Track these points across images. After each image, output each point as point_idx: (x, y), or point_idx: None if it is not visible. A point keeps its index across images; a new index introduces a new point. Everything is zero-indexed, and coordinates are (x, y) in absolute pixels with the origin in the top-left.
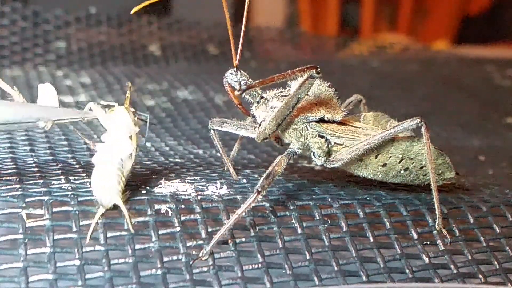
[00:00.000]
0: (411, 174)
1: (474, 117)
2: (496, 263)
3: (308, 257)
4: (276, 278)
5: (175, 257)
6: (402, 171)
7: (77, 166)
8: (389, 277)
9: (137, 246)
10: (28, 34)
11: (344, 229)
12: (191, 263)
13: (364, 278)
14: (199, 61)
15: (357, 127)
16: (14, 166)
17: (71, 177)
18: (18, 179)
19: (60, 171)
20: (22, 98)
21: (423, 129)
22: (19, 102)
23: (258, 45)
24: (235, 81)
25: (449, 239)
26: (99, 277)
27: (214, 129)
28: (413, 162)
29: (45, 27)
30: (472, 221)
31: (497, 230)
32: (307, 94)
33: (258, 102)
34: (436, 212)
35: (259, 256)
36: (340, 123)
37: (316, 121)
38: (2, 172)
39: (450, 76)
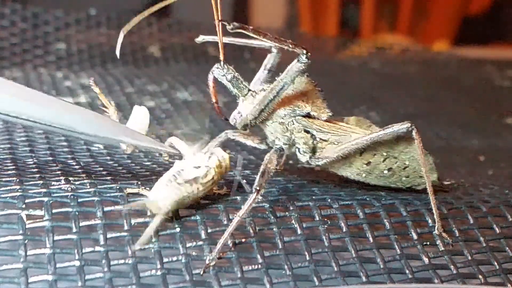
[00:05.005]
0: (394, 175)
1: (474, 117)
2: (496, 263)
3: (308, 258)
4: (276, 278)
5: (174, 258)
6: (385, 171)
7: (77, 167)
8: (389, 277)
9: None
10: (28, 35)
11: (344, 229)
12: (201, 273)
13: (364, 279)
14: (199, 63)
15: (341, 125)
16: (14, 167)
17: (71, 178)
18: (18, 180)
19: (60, 172)
20: (116, 117)
21: (414, 133)
22: (112, 120)
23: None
24: (222, 75)
25: (450, 241)
26: (99, 278)
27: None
28: (397, 162)
29: (45, 29)
30: (471, 221)
31: (497, 230)
32: (293, 83)
33: (245, 95)
34: (435, 216)
35: (258, 256)
36: (324, 127)
37: (302, 116)
38: (2, 173)
39: (450, 76)
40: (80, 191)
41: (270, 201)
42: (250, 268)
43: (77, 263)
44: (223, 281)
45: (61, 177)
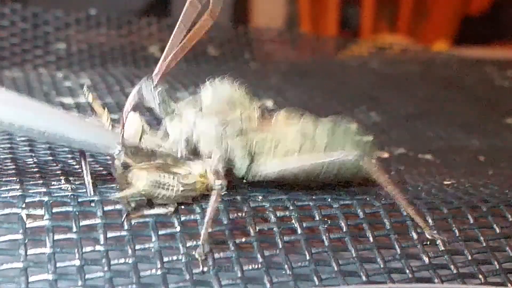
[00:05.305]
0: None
1: (474, 117)
2: (496, 263)
3: (308, 258)
4: (276, 278)
5: (175, 257)
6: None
7: (77, 166)
8: (389, 277)
9: (137, 247)
10: (28, 35)
11: (344, 229)
12: (201, 271)
13: (364, 278)
14: (199, 62)
15: (275, 132)
16: (14, 166)
17: (71, 178)
18: (18, 179)
19: (60, 172)
20: (109, 124)
21: (364, 163)
22: (104, 127)
23: (258, 46)
24: (149, 93)
25: (445, 240)
26: (99, 277)
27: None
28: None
29: (45, 29)
30: (472, 221)
31: (497, 230)
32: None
33: (172, 116)
34: (419, 223)
35: (259, 256)
36: (258, 128)
37: (235, 131)
38: (2, 172)
39: (450, 76)
40: (80, 190)
41: (270, 200)
42: (250, 267)
43: (77, 262)
44: (223, 281)
45: (61, 177)
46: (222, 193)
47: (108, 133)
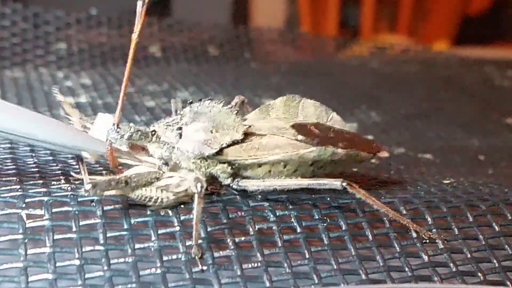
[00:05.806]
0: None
1: (474, 117)
2: (495, 261)
3: (307, 256)
4: (275, 276)
5: (174, 256)
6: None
7: (77, 166)
8: (388, 275)
9: (137, 246)
10: (28, 35)
11: (344, 228)
12: (200, 269)
13: (363, 277)
14: (199, 62)
15: (261, 142)
16: (14, 166)
17: (70, 178)
18: (18, 179)
19: (60, 172)
20: (80, 125)
21: (349, 189)
22: (76, 129)
23: (258, 46)
24: (118, 138)
25: (443, 238)
26: (99, 277)
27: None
28: (327, 165)
29: (45, 28)
30: (471, 219)
31: (496, 228)
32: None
33: (150, 141)
34: (411, 229)
35: (258, 255)
36: (244, 138)
37: (215, 160)
38: (2, 172)
39: (450, 76)
40: (80, 190)
41: (269, 199)
42: (249, 266)
43: (77, 261)
44: (223, 279)
45: (61, 177)
46: (202, 196)
47: (93, 140)
